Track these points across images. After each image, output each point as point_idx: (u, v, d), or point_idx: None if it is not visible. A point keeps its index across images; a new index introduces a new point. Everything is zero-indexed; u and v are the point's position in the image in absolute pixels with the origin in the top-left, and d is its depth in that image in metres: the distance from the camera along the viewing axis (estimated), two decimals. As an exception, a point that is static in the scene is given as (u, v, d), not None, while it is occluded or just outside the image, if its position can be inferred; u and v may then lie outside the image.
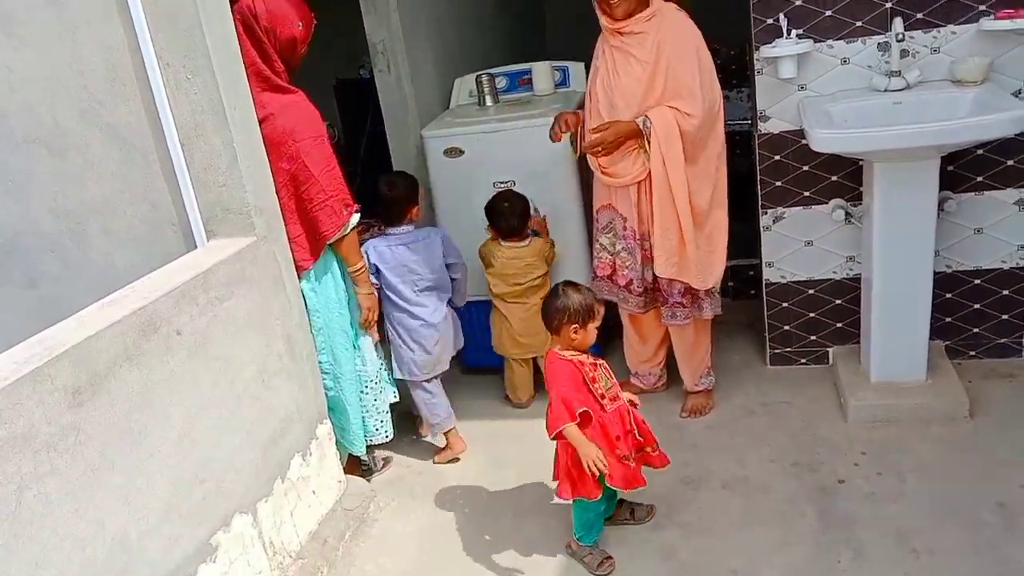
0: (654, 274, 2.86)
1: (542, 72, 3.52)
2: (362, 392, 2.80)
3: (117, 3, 2.16)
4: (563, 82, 3.59)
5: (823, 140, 2.51)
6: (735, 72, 5.55)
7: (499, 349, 3.25)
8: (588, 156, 2.85)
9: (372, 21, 3.36)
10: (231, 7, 2.29)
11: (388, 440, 2.94)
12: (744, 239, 4.04)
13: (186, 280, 2.06)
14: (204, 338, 2.09)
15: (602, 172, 2.83)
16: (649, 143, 2.69)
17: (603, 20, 2.76)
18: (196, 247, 2.35)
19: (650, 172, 2.72)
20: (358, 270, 2.63)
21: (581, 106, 3.39)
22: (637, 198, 2.80)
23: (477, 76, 3.53)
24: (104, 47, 2.22)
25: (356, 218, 2.55)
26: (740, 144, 5.43)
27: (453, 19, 3.92)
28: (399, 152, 3.52)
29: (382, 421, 2.89)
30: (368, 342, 2.79)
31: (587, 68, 3.62)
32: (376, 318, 2.73)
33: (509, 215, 3.02)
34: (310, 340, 2.56)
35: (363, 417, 2.82)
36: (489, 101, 3.51)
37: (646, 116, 2.69)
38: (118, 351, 1.82)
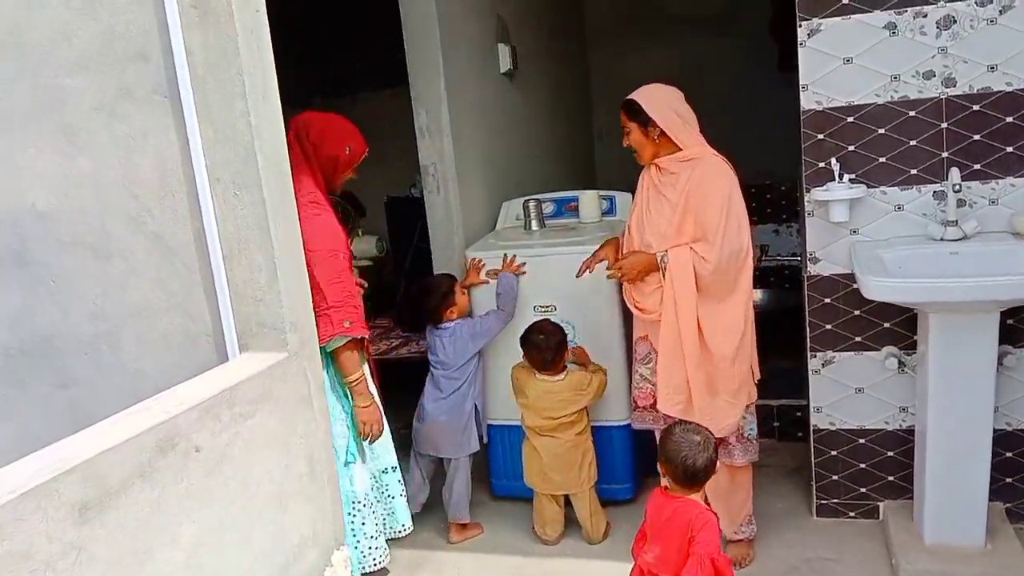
0: None
1: (589, 200, 3.53)
2: (349, 515, 2.71)
3: (175, 120, 2.22)
4: (610, 210, 3.60)
5: (877, 288, 2.43)
6: (785, 207, 5.55)
7: (529, 482, 3.12)
8: (623, 290, 2.84)
9: (425, 145, 3.43)
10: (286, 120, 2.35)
11: (379, 567, 2.84)
12: (792, 379, 3.92)
13: (212, 395, 2.01)
14: (223, 456, 2.03)
15: (635, 306, 2.81)
16: (664, 279, 2.68)
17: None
18: (228, 359, 2.33)
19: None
20: (354, 381, 2.62)
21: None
22: None
23: (525, 201, 3.55)
24: (158, 159, 2.27)
25: (361, 333, 2.61)
26: (789, 279, 5.37)
27: (503, 146, 4.00)
28: (443, 269, 3.52)
29: (371, 548, 2.78)
30: (359, 466, 2.74)
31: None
32: (379, 432, 2.67)
33: (544, 347, 2.95)
34: (332, 461, 2.49)
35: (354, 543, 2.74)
36: (535, 225, 3.52)
37: (665, 251, 2.68)
38: (132, 467, 1.76)
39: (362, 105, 5.98)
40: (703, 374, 2.67)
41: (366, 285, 2.85)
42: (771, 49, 5.12)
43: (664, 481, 2.21)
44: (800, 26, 2.75)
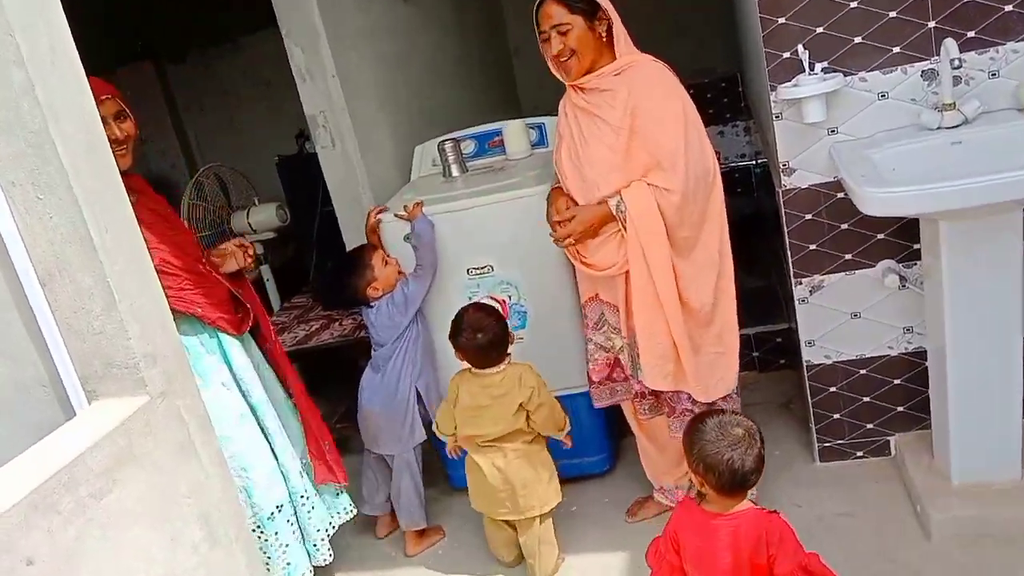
0: None
1: (515, 132, 2.99)
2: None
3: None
4: (540, 141, 3.06)
5: (878, 201, 1.97)
6: (728, 105, 5.07)
7: (475, 506, 2.56)
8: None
9: (308, 91, 2.84)
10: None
11: (326, 564, 2.49)
12: (767, 300, 3.50)
13: (42, 482, 1.48)
14: (71, 557, 1.51)
15: (581, 262, 2.29)
16: (626, 229, 2.16)
17: (560, 76, 2.25)
18: (75, 413, 1.78)
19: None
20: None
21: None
22: (626, 289, 2.27)
23: (440, 143, 2.99)
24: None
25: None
26: (742, 183, 4.93)
27: (406, 80, 3.40)
28: (353, 237, 2.97)
29: (319, 542, 2.43)
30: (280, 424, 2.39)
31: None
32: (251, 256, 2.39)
33: (482, 346, 2.34)
34: (241, 514, 1.98)
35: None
36: (455, 171, 2.97)
37: (620, 197, 2.16)
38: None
39: (245, 52, 5.30)
40: (688, 331, 2.22)
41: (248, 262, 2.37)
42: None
43: (696, 490, 1.76)
44: None
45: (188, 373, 1.87)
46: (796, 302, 2.55)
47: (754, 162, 4.64)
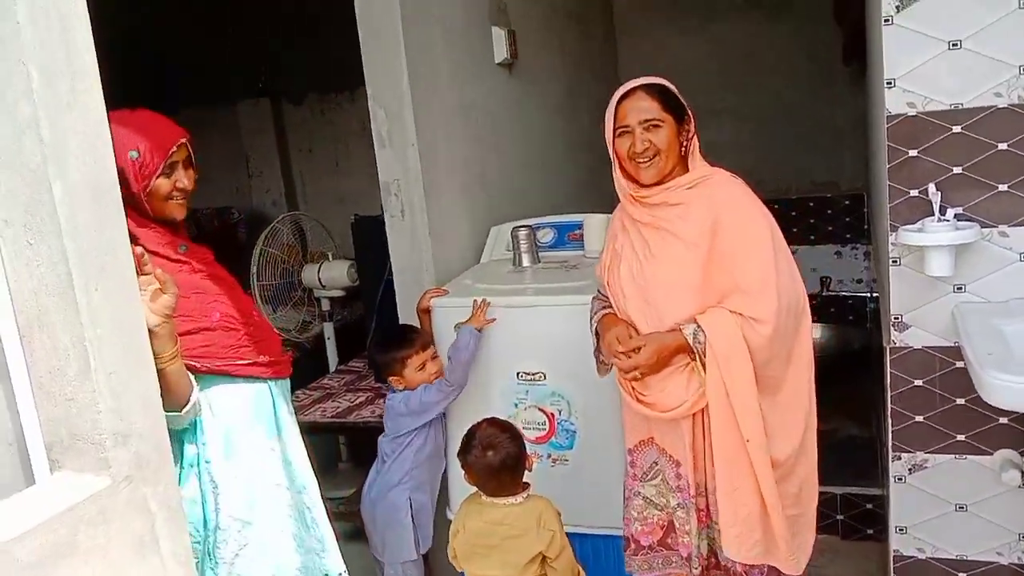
0: (711, 548, 1.95)
1: (596, 228, 2.73)
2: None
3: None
4: (625, 242, 2.79)
5: (1007, 392, 1.60)
6: (849, 225, 4.68)
7: None
8: (616, 376, 2.00)
9: (386, 157, 2.67)
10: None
11: None
12: (861, 455, 3.09)
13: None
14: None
15: (638, 400, 1.93)
16: (704, 363, 1.83)
17: (625, 185, 1.98)
18: (34, 481, 1.60)
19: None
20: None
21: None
22: (692, 435, 1.92)
23: (514, 229, 2.77)
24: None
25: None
26: (853, 310, 4.51)
27: (496, 156, 3.21)
28: (408, 311, 2.75)
29: None
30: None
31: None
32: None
33: (495, 467, 2.04)
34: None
35: None
36: (526, 261, 2.73)
37: (697, 325, 1.83)
38: None
39: (360, 103, 5.29)
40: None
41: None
42: (834, 37, 4.25)
43: None
44: (887, -5, 1.93)
45: (165, 457, 1.66)
46: (891, 479, 2.16)
47: (870, 292, 4.22)
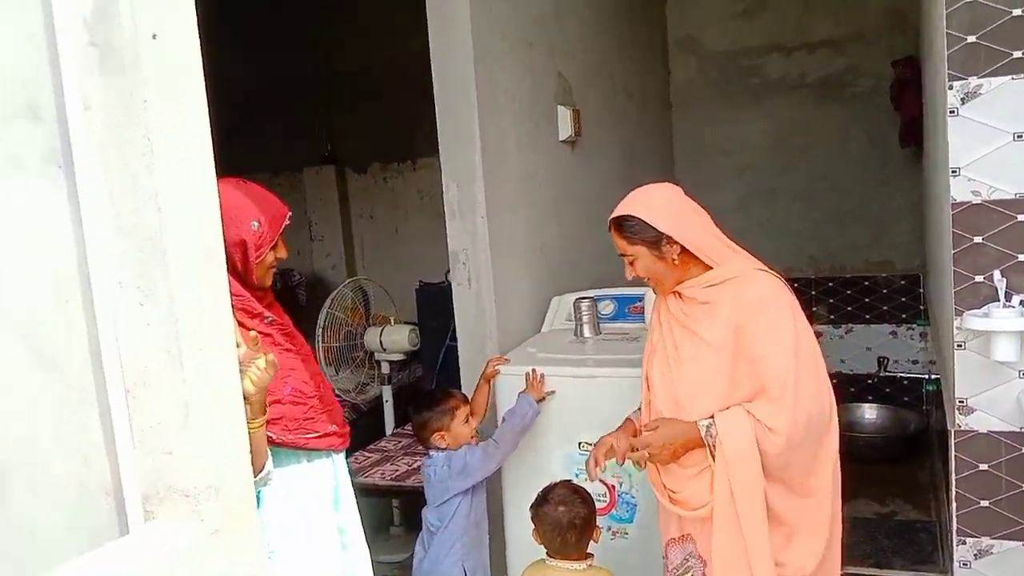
0: None
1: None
2: None
3: (70, 199, 1.62)
4: (685, 316, 2.85)
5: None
6: (904, 305, 4.67)
7: None
8: (648, 472, 1.98)
9: (455, 227, 2.79)
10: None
11: None
12: (920, 540, 3.04)
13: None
14: None
15: (669, 498, 1.92)
16: (714, 459, 1.81)
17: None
18: (129, 529, 1.68)
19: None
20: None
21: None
22: None
23: (576, 300, 2.84)
24: (50, 251, 1.67)
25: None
26: (907, 391, 4.47)
27: (558, 229, 3.31)
28: (470, 376, 2.83)
29: None
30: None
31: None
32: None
33: (566, 523, 2.07)
34: None
35: None
36: (587, 332, 2.80)
37: (712, 420, 1.82)
38: None
39: (422, 172, 5.48)
40: None
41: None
42: (890, 119, 4.33)
43: None
44: (951, 88, 2.00)
45: (251, 510, 1.74)
46: (957, 563, 2.15)
47: (927, 375, 4.19)
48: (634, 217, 1.88)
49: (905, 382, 4.44)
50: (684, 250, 1.86)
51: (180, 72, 1.62)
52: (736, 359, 1.82)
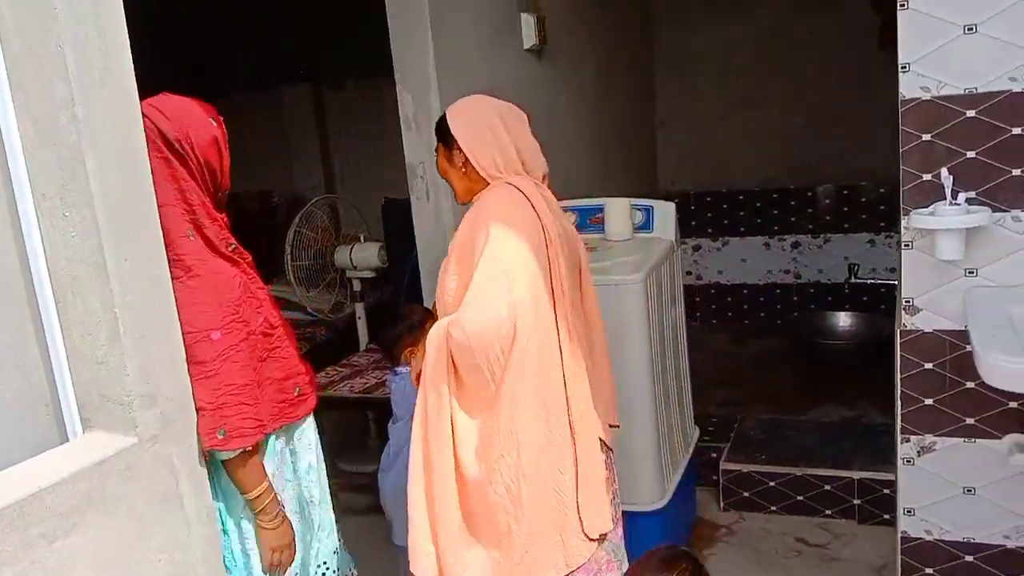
0: None
1: (617, 211, 2.78)
2: None
3: (-14, 108, 1.59)
4: (645, 225, 2.83)
5: (1005, 374, 1.62)
6: (883, 213, 4.64)
7: None
8: None
9: (411, 139, 2.75)
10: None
11: None
12: (883, 443, 3.09)
13: (-10, 512, 1.39)
14: (2, 605, 1.40)
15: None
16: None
17: None
18: (68, 439, 1.71)
19: None
20: (254, 497, 1.79)
21: (664, 259, 2.63)
22: None
23: (535, 211, 2.82)
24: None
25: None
26: (885, 299, 4.48)
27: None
28: (432, 292, 2.82)
29: None
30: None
31: (679, 210, 2.88)
32: (289, 560, 1.84)
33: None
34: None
35: None
36: (548, 243, 2.78)
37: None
38: None
39: (369, 94, 5.36)
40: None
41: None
42: (870, 22, 4.21)
43: None
44: (901, -21, 1.94)
45: (189, 419, 1.76)
46: (900, 461, 2.18)
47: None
48: (443, 117, 1.92)
49: (882, 290, 4.44)
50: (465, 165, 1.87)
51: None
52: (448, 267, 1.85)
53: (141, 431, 1.65)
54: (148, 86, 1.70)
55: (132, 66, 1.64)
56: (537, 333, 1.72)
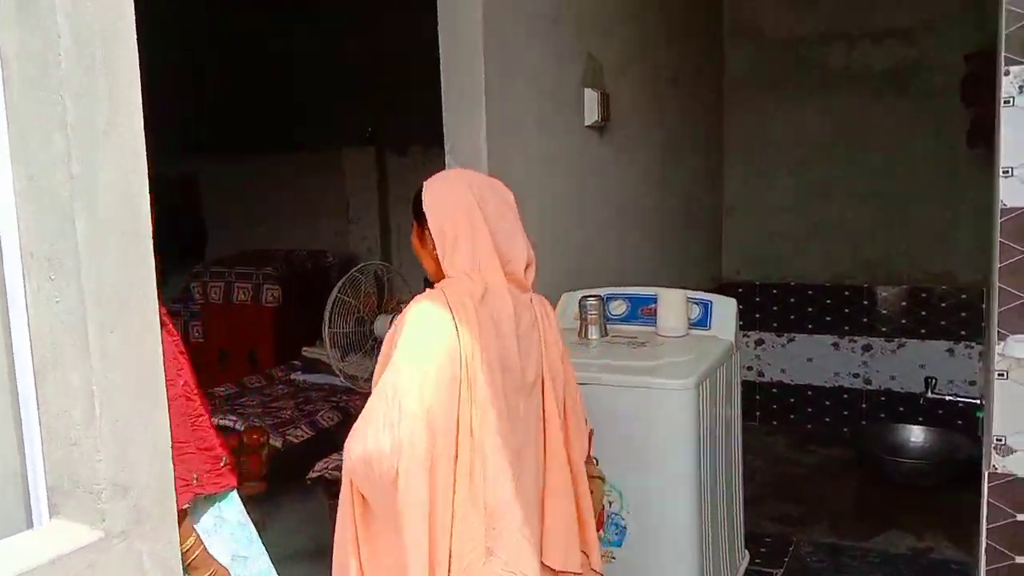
0: None
1: (671, 304, 2.56)
2: None
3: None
4: (702, 321, 2.60)
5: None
6: (965, 320, 4.29)
7: None
8: None
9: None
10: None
11: None
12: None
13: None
14: None
15: None
16: None
17: None
18: (32, 525, 1.54)
19: None
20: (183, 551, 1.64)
21: (721, 361, 2.40)
22: None
23: (582, 298, 2.62)
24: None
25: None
26: (961, 415, 4.10)
27: (578, 219, 3.09)
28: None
29: None
30: None
31: (743, 301, 2.65)
32: None
33: None
34: None
35: None
36: (593, 333, 2.57)
37: None
38: None
39: (432, 160, 5.28)
40: None
41: None
42: (960, 117, 3.96)
43: None
44: (1007, 73, 1.72)
45: (168, 512, 1.58)
46: (981, 627, 1.87)
47: (981, 398, 3.83)
48: (420, 192, 1.70)
49: (960, 404, 4.07)
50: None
51: (105, 31, 1.47)
52: None
53: (109, 525, 1.48)
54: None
55: (141, 123, 1.52)
56: (427, 470, 1.49)
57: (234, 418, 3.70)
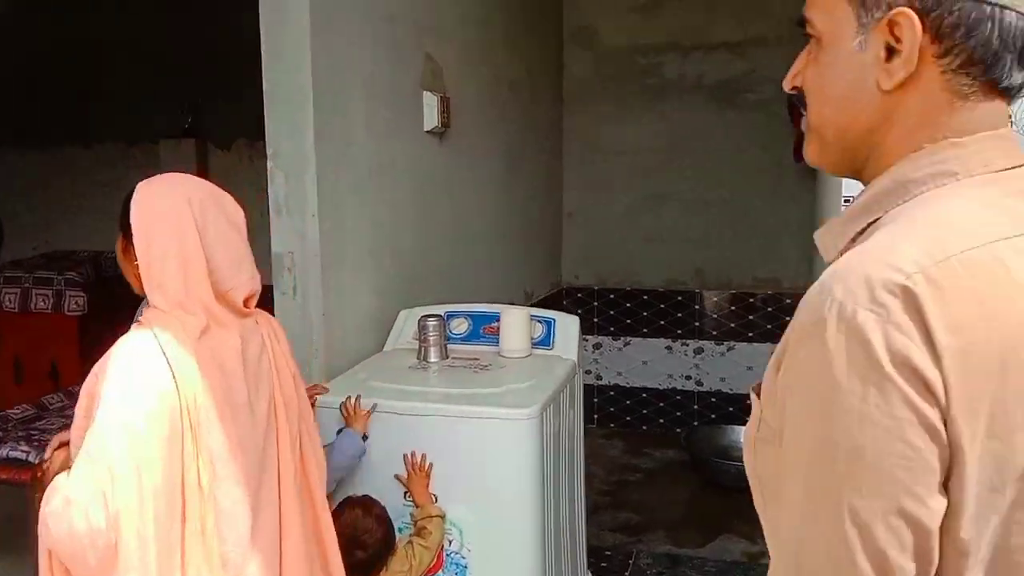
0: None
1: (514, 323, 2.44)
2: None
3: None
4: (544, 341, 2.51)
5: None
6: (784, 325, 4.48)
7: None
8: None
9: (280, 226, 2.36)
10: None
11: None
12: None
13: None
14: None
15: None
16: None
17: None
18: None
19: None
20: None
21: (564, 384, 2.31)
22: None
23: (421, 318, 2.46)
24: None
25: None
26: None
27: (414, 231, 2.92)
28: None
29: None
30: None
31: (580, 305, 2.57)
32: None
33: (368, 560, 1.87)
34: None
35: None
36: (432, 355, 2.42)
37: None
38: None
39: (258, 156, 4.97)
40: None
41: None
42: (788, 130, 4.10)
43: None
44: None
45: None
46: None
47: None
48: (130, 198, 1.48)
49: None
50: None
51: None
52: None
53: None
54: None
55: None
56: (149, 539, 1.31)
57: (26, 449, 3.26)
